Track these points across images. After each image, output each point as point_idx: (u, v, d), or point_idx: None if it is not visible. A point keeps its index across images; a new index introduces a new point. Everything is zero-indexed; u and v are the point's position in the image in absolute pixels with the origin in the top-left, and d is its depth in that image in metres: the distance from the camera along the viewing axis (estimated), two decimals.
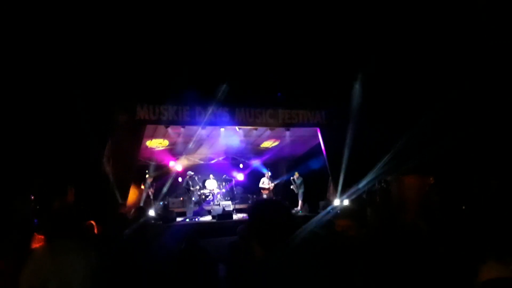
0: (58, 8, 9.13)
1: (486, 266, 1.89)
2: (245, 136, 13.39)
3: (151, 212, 9.91)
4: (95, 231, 4.57)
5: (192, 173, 13.28)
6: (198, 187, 13.49)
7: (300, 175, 13.75)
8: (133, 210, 4.73)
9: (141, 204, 11.38)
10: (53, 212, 4.15)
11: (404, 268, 2.92)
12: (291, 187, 13.70)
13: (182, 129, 11.83)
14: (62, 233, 2.65)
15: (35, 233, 3.75)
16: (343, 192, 11.66)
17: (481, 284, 1.88)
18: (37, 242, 3.72)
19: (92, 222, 4.66)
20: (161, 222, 10.25)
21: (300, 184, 13.49)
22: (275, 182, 13.64)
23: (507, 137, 10.42)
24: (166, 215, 11.30)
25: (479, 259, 1.96)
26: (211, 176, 14.54)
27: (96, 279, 2.51)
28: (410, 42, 11.68)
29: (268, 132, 13.02)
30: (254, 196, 15.71)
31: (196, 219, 11.87)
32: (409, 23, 11.32)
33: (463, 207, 4.75)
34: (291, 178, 13.79)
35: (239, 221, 11.08)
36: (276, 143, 14.94)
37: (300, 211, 12.89)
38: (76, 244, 2.62)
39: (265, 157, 15.91)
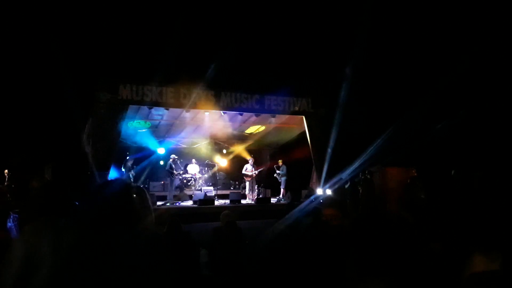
0: None
1: (473, 260, 1.86)
2: (229, 121, 13.22)
3: None
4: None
5: (176, 157, 13.08)
6: (180, 171, 13.31)
7: (283, 163, 13.70)
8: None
9: None
10: (34, 190, 3.97)
11: (390, 259, 2.87)
12: (274, 175, 13.65)
13: (165, 111, 11.58)
14: (50, 211, 2.52)
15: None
16: (326, 181, 11.66)
17: (467, 277, 1.84)
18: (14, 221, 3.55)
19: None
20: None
21: (284, 172, 13.45)
22: (258, 170, 13.56)
23: (490, 130, 10.57)
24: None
25: (466, 253, 1.93)
26: (193, 160, 14.38)
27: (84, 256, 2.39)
28: (397, 32, 11.67)
29: (253, 118, 12.88)
30: (237, 183, 15.63)
31: (177, 204, 11.72)
32: (396, 10, 11.29)
33: (447, 200, 4.76)
34: (274, 166, 13.73)
35: (220, 207, 10.99)
36: (261, 129, 14.83)
37: (283, 199, 12.87)
38: (65, 221, 2.48)
39: (249, 143, 15.80)
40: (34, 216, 2.78)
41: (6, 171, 8.60)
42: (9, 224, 3.51)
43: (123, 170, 12.05)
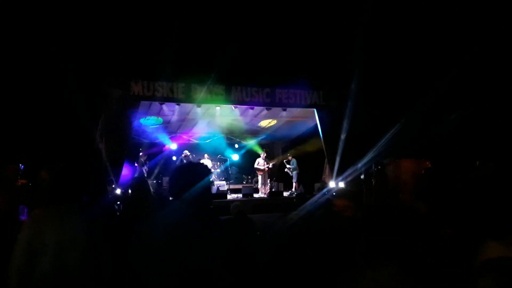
0: None
1: (486, 246, 1.84)
2: (241, 115, 13.21)
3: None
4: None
5: (188, 153, 13.14)
6: None
7: (294, 156, 13.66)
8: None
9: None
10: (40, 181, 4.02)
11: (403, 248, 2.84)
12: (285, 170, 13.62)
13: (177, 107, 11.62)
14: (57, 197, 2.54)
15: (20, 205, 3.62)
16: (338, 174, 11.58)
17: (481, 263, 1.82)
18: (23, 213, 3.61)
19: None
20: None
21: (295, 166, 13.41)
22: (271, 163, 13.54)
23: (503, 121, 10.37)
24: (159, 193, 11.21)
25: (480, 239, 1.90)
26: (205, 155, 14.42)
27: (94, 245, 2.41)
28: (409, 23, 11.49)
29: (264, 111, 12.84)
30: (249, 177, 15.64)
31: None
32: (409, 5, 11.12)
33: (461, 189, 4.68)
34: (284, 160, 13.69)
35: (233, 201, 11.01)
36: (272, 123, 14.79)
37: (295, 193, 12.85)
38: (76, 209, 2.51)
39: (261, 137, 15.79)
40: (42, 201, 2.80)
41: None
42: (22, 217, 3.56)
43: (136, 165, 12.17)
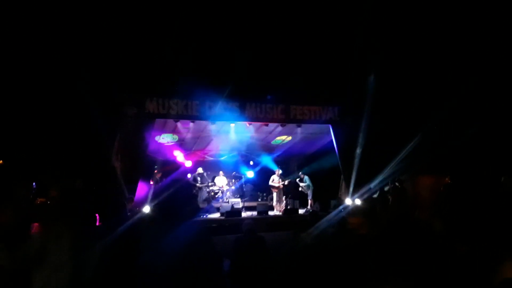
0: (67, 1, 9.10)
1: (505, 266, 1.77)
2: (255, 132, 13.20)
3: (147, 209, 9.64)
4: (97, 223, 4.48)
5: (202, 171, 13.14)
6: (208, 183, 13.34)
7: (309, 173, 13.52)
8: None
9: (149, 200, 11.26)
10: (49, 199, 4.05)
11: (419, 266, 2.72)
12: (299, 189, 13.48)
13: (191, 124, 11.69)
14: (68, 213, 2.55)
15: (32, 223, 3.63)
16: (355, 191, 11.39)
17: (499, 283, 1.75)
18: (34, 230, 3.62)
19: (96, 214, 4.56)
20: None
21: (308, 183, 13.27)
22: (286, 180, 13.42)
23: None
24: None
25: (498, 259, 1.82)
26: (220, 172, 14.39)
27: (92, 267, 2.39)
28: (425, 38, 11.39)
29: (279, 128, 12.81)
30: (264, 194, 15.53)
31: (205, 216, 11.72)
32: (425, 18, 11.04)
33: (480, 207, 4.52)
34: (297, 179, 13.55)
35: (247, 219, 10.91)
36: (287, 140, 14.73)
37: (311, 210, 12.66)
38: (76, 229, 2.51)
39: (276, 154, 15.72)
40: (52, 222, 2.81)
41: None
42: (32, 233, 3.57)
43: (151, 183, 12.20)
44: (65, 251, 2.31)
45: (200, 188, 12.66)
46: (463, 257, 2.26)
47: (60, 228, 2.47)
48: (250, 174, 15.39)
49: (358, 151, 11.65)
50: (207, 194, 13.24)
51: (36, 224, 4.04)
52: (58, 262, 2.27)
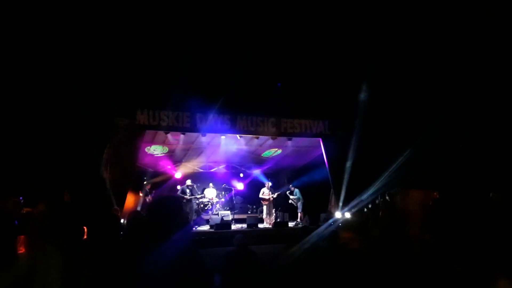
0: (58, 11, 9.06)
1: (497, 284, 1.77)
2: (246, 144, 13.20)
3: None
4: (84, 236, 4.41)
5: (191, 183, 13.04)
6: (197, 195, 13.24)
7: (299, 186, 13.53)
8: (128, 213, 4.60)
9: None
10: (37, 214, 3.97)
11: (412, 282, 2.72)
12: (289, 201, 13.48)
13: (182, 136, 11.65)
14: (51, 234, 2.50)
15: (18, 236, 3.56)
16: (345, 204, 11.42)
17: None
18: (21, 244, 3.54)
19: (84, 227, 4.49)
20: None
21: (298, 196, 13.27)
22: (276, 193, 13.41)
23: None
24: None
25: (488, 276, 1.82)
26: (210, 184, 14.31)
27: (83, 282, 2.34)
28: (414, 53, 11.58)
29: (269, 141, 12.83)
30: (254, 207, 15.47)
31: (194, 228, 11.61)
32: (413, 34, 11.23)
33: (470, 223, 4.56)
34: (287, 192, 13.56)
35: (237, 231, 10.84)
36: (278, 152, 14.75)
37: (300, 223, 12.63)
38: (62, 247, 2.45)
39: (266, 167, 15.71)
40: (40, 238, 2.76)
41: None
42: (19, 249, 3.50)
43: (140, 195, 12.09)
44: (54, 270, 2.26)
45: (189, 200, 12.55)
46: (457, 277, 2.26)
47: (48, 246, 2.42)
48: (240, 186, 15.34)
49: (348, 164, 11.71)
50: (196, 206, 13.13)
51: (22, 237, 3.96)
52: (47, 282, 2.22)
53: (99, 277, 2.43)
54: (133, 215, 4.33)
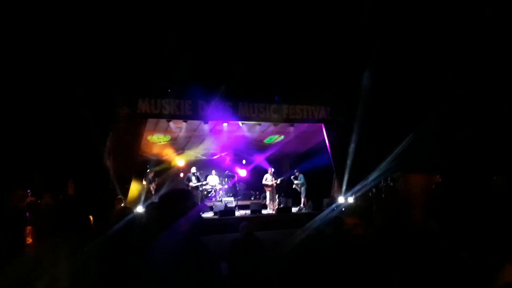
0: (60, 3, 9.00)
1: (505, 270, 1.78)
2: (248, 131, 13.20)
3: (140, 209, 9.65)
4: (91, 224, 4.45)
5: (195, 171, 13.09)
6: (202, 182, 13.27)
7: (302, 172, 13.56)
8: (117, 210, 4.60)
9: (142, 200, 11.21)
10: (44, 206, 4.01)
11: (417, 268, 2.75)
12: (293, 186, 13.52)
13: (184, 124, 11.64)
14: (65, 227, 2.51)
15: (27, 227, 3.60)
16: (347, 189, 11.47)
17: (501, 286, 1.75)
18: (28, 235, 3.58)
19: (90, 216, 4.53)
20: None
21: (302, 181, 13.31)
22: (279, 179, 13.46)
23: None
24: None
25: (497, 263, 1.83)
26: (213, 171, 14.35)
27: (92, 275, 2.36)
28: (418, 37, 11.48)
29: (271, 127, 12.82)
30: (257, 193, 15.54)
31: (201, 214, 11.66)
32: (416, 19, 11.12)
33: (477, 208, 4.57)
34: (291, 177, 13.59)
35: (241, 218, 10.92)
36: (280, 138, 14.75)
37: (304, 209, 12.71)
38: (81, 239, 2.48)
39: (269, 153, 15.72)
40: (47, 232, 2.78)
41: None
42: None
43: (144, 182, 12.15)
44: (62, 264, 2.27)
45: (195, 188, 12.61)
46: (465, 264, 2.28)
47: (56, 240, 2.44)
48: (242, 173, 15.38)
49: (351, 149, 11.73)
50: (200, 194, 13.20)
51: (29, 228, 4.01)
52: (55, 275, 2.23)
53: (106, 269, 2.45)
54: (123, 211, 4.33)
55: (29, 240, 3.81)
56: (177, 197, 2.24)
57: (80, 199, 2.77)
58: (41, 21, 8.88)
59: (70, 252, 2.30)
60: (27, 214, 3.75)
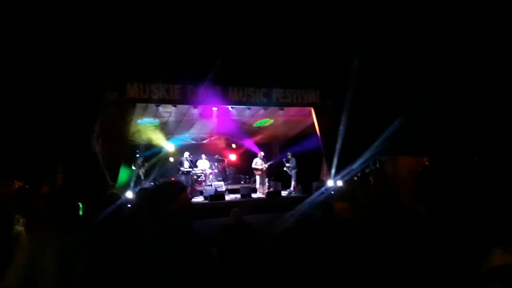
0: None
1: (492, 253, 1.81)
2: (238, 115, 13.16)
3: (130, 194, 9.66)
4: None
5: (188, 155, 13.10)
6: (193, 169, 13.28)
7: (293, 155, 13.62)
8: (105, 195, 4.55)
9: (131, 185, 11.19)
10: (44, 196, 3.95)
11: (405, 251, 2.80)
12: (284, 168, 13.58)
13: (173, 108, 11.57)
14: (55, 218, 2.48)
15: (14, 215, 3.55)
16: (337, 173, 11.57)
17: (487, 270, 1.79)
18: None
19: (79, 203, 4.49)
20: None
21: (294, 165, 13.37)
22: (268, 163, 13.50)
23: (502, 117, 10.36)
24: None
25: (485, 246, 1.87)
26: (203, 156, 14.32)
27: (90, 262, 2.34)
28: (407, 18, 11.47)
29: (261, 111, 12.81)
30: (247, 177, 15.60)
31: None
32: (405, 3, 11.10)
33: (464, 190, 4.65)
34: (284, 159, 13.65)
35: (231, 202, 10.98)
36: (270, 122, 14.75)
37: (294, 192, 12.81)
38: (70, 230, 2.45)
39: (258, 137, 15.74)
40: (41, 222, 2.76)
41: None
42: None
43: (133, 168, 12.09)
44: (52, 258, 2.23)
45: (187, 173, 12.62)
46: (456, 250, 2.32)
47: (47, 233, 2.41)
48: (232, 157, 15.39)
49: (340, 133, 11.79)
50: (190, 178, 13.20)
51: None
52: (44, 270, 2.20)
53: (96, 258, 2.44)
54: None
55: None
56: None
57: (71, 188, 2.73)
58: (28, 5, 8.67)
59: (58, 246, 2.27)
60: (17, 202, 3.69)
